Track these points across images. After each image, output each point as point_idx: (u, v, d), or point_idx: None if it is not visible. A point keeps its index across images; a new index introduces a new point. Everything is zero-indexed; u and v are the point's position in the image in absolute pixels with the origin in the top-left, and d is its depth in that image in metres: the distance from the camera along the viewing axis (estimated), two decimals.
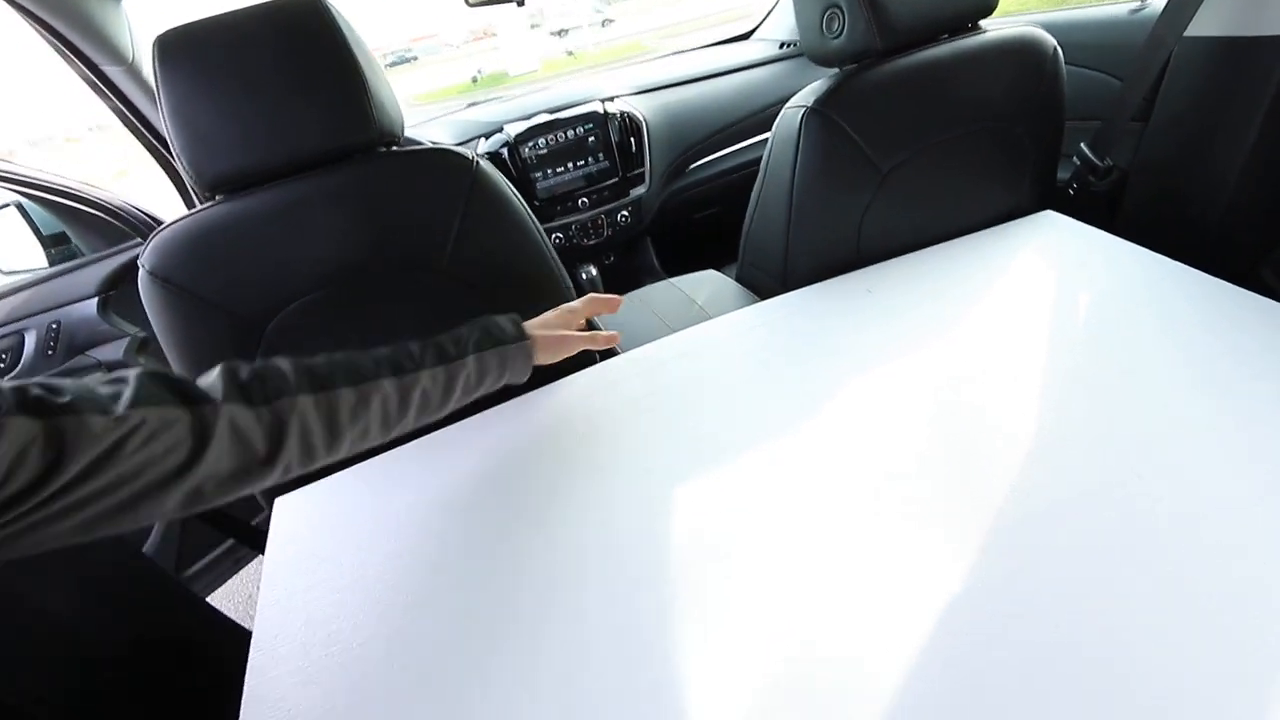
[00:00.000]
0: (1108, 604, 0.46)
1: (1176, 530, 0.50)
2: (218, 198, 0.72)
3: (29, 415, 0.40)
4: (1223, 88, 0.90)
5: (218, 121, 0.67)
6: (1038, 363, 0.71)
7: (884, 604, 0.49)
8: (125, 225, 1.25)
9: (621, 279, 1.59)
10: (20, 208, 1.25)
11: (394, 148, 0.76)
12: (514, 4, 1.23)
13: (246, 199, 0.70)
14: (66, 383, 0.44)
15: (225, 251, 0.70)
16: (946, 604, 0.48)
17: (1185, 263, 0.80)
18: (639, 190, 1.51)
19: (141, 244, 1.22)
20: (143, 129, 1.12)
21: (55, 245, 1.29)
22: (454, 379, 0.64)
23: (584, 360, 0.83)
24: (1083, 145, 1.06)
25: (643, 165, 1.50)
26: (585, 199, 1.47)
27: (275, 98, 0.68)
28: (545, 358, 0.72)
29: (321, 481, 0.75)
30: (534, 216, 0.82)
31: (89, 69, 0.99)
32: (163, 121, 0.67)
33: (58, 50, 0.97)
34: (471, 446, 0.75)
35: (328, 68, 0.69)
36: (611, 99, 1.51)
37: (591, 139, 1.45)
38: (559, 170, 1.44)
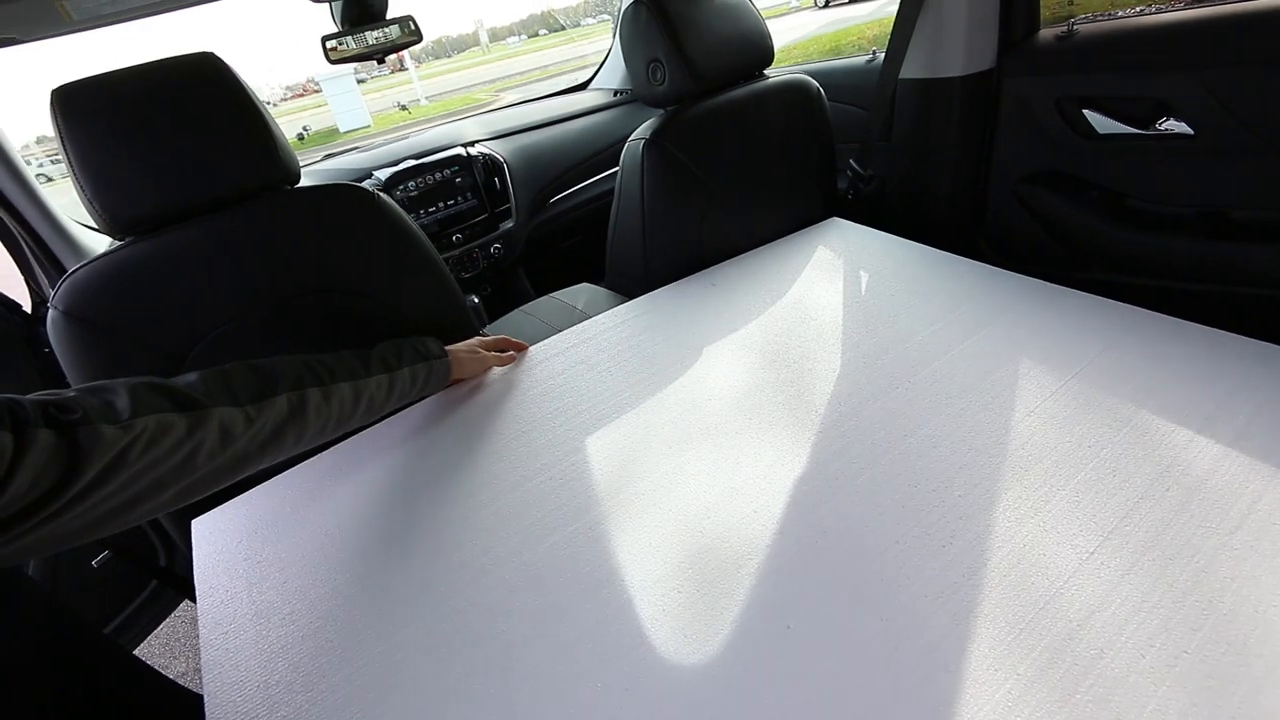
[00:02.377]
0: (880, 480, 0.69)
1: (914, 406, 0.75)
2: (128, 240, 0.77)
3: (50, 427, 0.46)
4: (927, 113, 1.26)
5: (128, 166, 0.73)
6: (834, 321, 0.96)
7: (742, 500, 0.68)
8: None
9: (501, 306, 1.72)
10: None
11: (298, 186, 0.85)
12: (374, 61, 1.34)
13: (162, 238, 0.76)
14: (71, 395, 0.50)
15: (143, 288, 0.75)
16: (784, 494, 0.68)
17: (929, 245, 1.10)
18: (507, 224, 1.67)
19: None
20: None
21: None
22: (393, 386, 0.76)
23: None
24: (851, 161, 1.39)
25: (508, 201, 1.66)
26: (459, 235, 1.59)
27: (183, 143, 0.75)
28: (461, 371, 0.89)
29: (236, 499, 0.80)
30: (430, 242, 0.95)
31: None
32: (71, 175, 0.72)
33: None
34: (380, 450, 0.84)
35: (232, 114, 0.78)
36: (472, 143, 1.66)
37: (458, 179, 1.58)
38: (431, 210, 1.55)
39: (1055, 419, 0.70)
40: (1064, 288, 0.92)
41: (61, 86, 0.72)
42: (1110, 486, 0.62)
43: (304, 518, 0.76)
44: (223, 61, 0.79)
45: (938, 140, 1.26)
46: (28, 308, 1.24)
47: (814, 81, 1.23)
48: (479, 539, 0.68)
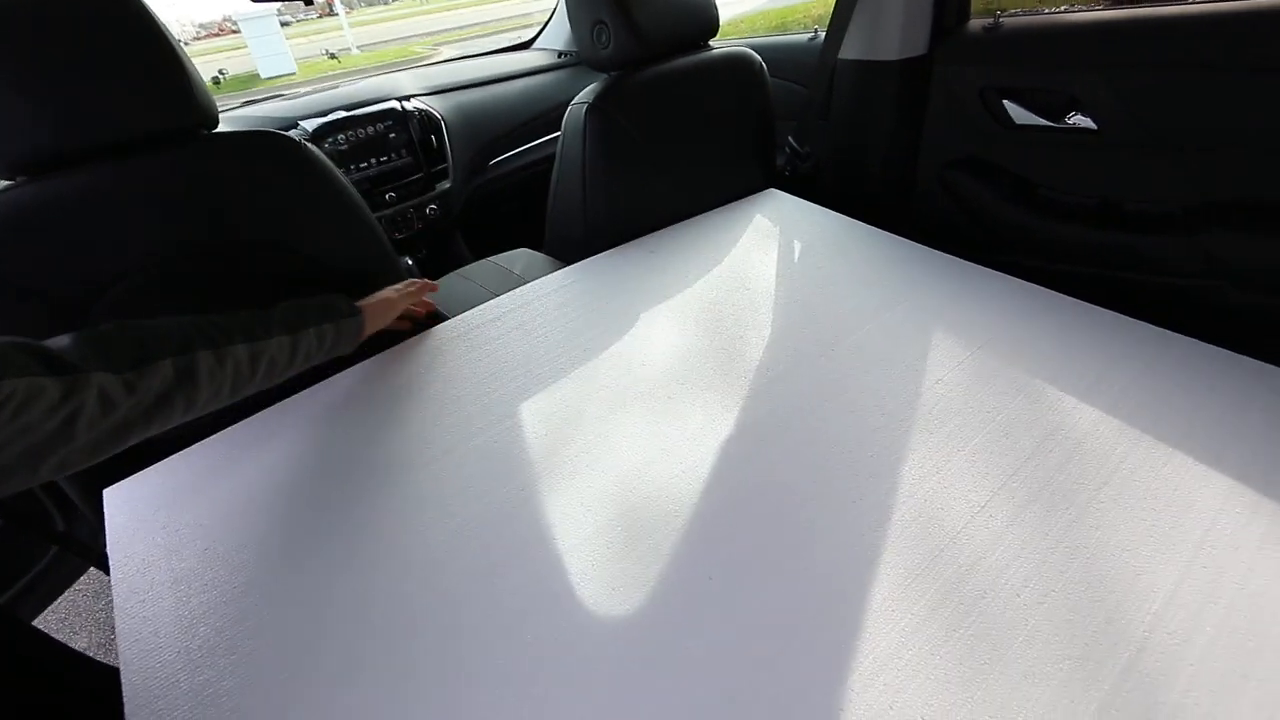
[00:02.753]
0: (801, 442, 0.73)
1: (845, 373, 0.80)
2: (18, 179, 0.70)
3: None
4: (863, 94, 1.30)
5: (14, 99, 0.66)
6: (768, 290, 0.99)
7: (672, 461, 0.71)
8: None
9: (437, 270, 1.67)
10: None
11: (215, 131, 0.80)
12: (301, 3, 1.26)
13: (57, 180, 0.70)
14: None
15: (33, 233, 0.69)
16: (712, 454, 0.71)
17: (859, 219, 1.15)
18: (444, 184, 1.61)
19: None
20: None
21: None
22: (297, 347, 0.72)
23: (417, 330, 0.95)
24: (790, 138, 1.42)
25: (445, 161, 1.60)
26: (392, 193, 1.53)
27: (82, 77, 0.69)
28: (373, 325, 0.84)
29: (152, 467, 0.76)
30: (359, 195, 0.91)
31: None
32: None
33: None
34: (307, 415, 0.82)
35: (141, 48, 0.71)
36: (407, 98, 1.59)
37: (392, 135, 1.52)
38: (362, 165, 1.49)
39: (960, 386, 0.76)
40: (980, 266, 0.98)
41: None
42: (1002, 447, 0.68)
43: (224, 485, 0.73)
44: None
45: (872, 121, 1.30)
46: None
47: (756, 56, 1.24)
48: (409, 504, 0.68)
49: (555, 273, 1.07)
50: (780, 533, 0.61)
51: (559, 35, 1.96)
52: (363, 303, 0.84)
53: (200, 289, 0.79)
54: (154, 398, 0.58)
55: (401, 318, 0.92)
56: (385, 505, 0.68)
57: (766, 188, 1.32)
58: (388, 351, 0.91)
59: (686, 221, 1.21)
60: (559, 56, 1.93)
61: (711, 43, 1.25)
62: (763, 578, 0.57)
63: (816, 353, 0.84)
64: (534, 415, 0.78)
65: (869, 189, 1.37)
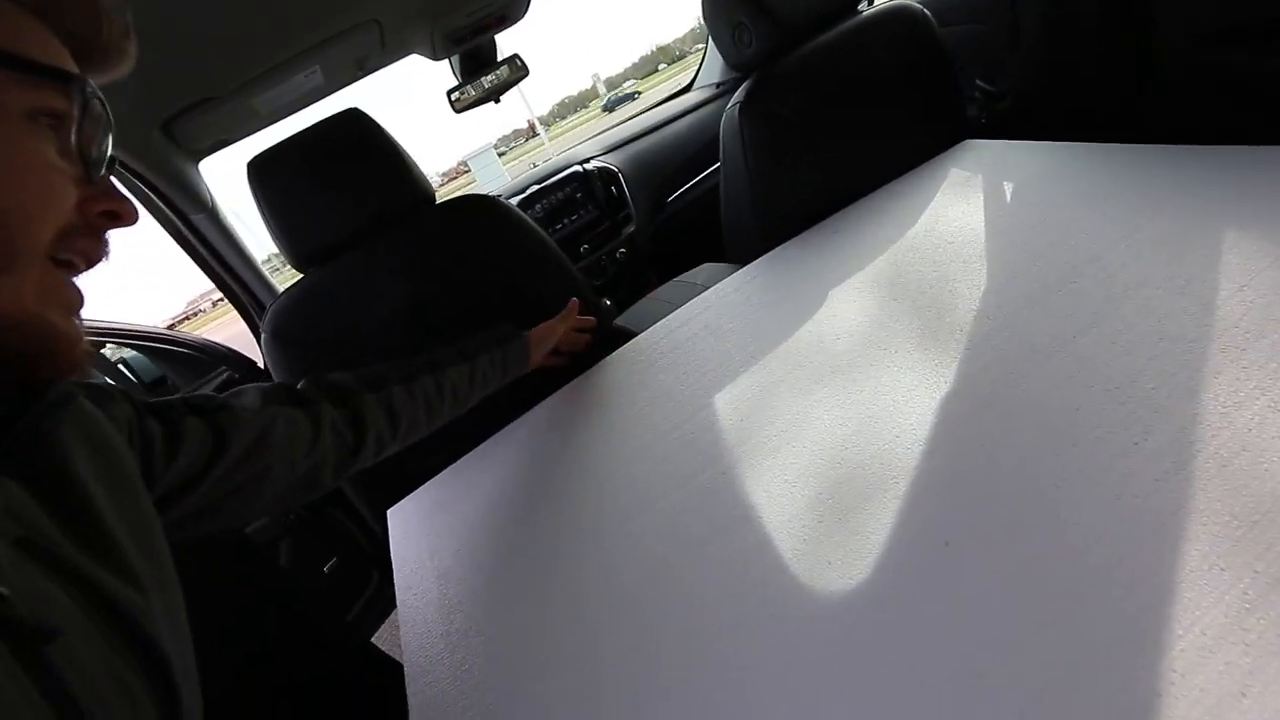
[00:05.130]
0: (1044, 388, 0.60)
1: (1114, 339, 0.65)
2: (311, 270, 0.92)
3: (196, 415, 0.55)
4: (1060, 6, 1.09)
5: (302, 211, 0.88)
6: (975, 240, 0.86)
7: (880, 428, 0.64)
8: (209, 357, 1.47)
9: None
10: (124, 363, 1.47)
11: (433, 204, 0.96)
12: (492, 101, 1.49)
13: (333, 264, 0.90)
14: (213, 394, 0.60)
15: (322, 305, 0.89)
16: (929, 416, 0.63)
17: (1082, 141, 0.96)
18: (629, 229, 1.73)
19: (223, 371, 1.43)
20: (216, 266, 1.35)
21: (155, 389, 1.50)
22: (474, 373, 0.81)
23: (609, 349, 1.00)
24: (978, 81, 1.25)
25: (627, 207, 1.72)
26: (586, 245, 1.68)
27: (341, 183, 0.89)
28: (542, 346, 0.91)
29: (419, 490, 0.90)
30: (549, 238, 1.02)
31: (179, 219, 1.24)
32: (266, 225, 0.88)
33: (152, 206, 1.22)
34: (531, 431, 0.91)
35: (376, 157, 0.91)
36: (587, 160, 1.75)
37: (579, 195, 1.68)
38: (557, 227, 1.67)
39: (1263, 299, 0.56)
40: (1266, 146, 0.74)
41: (254, 158, 0.89)
42: None
43: (475, 495, 0.84)
44: (364, 114, 0.92)
45: (1076, 27, 1.09)
46: (262, 364, 1.53)
47: (918, 6, 1.13)
48: (621, 499, 0.70)
49: (737, 273, 1.06)
50: (1033, 489, 0.50)
51: (712, 69, 2.02)
52: (530, 331, 0.92)
53: (436, 332, 0.93)
54: (366, 428, 0.69)
55: (560, 352, 0.98)
56: (601, 501, 0.72)
57: (959, 141, 1.17)
58: (589, 371, 0.97)
59: (869, 196, 1.12)
60: (716, 88, 1.99)
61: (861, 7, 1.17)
62: (1015, 541, 0.47)
63: (1048, 290, 0.69)
64: (730, 403, 0.76)
65: (1086, 103, 1.13)
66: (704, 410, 0.77)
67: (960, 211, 0.94)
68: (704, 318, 0.97)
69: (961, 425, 0.58)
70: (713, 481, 0.66)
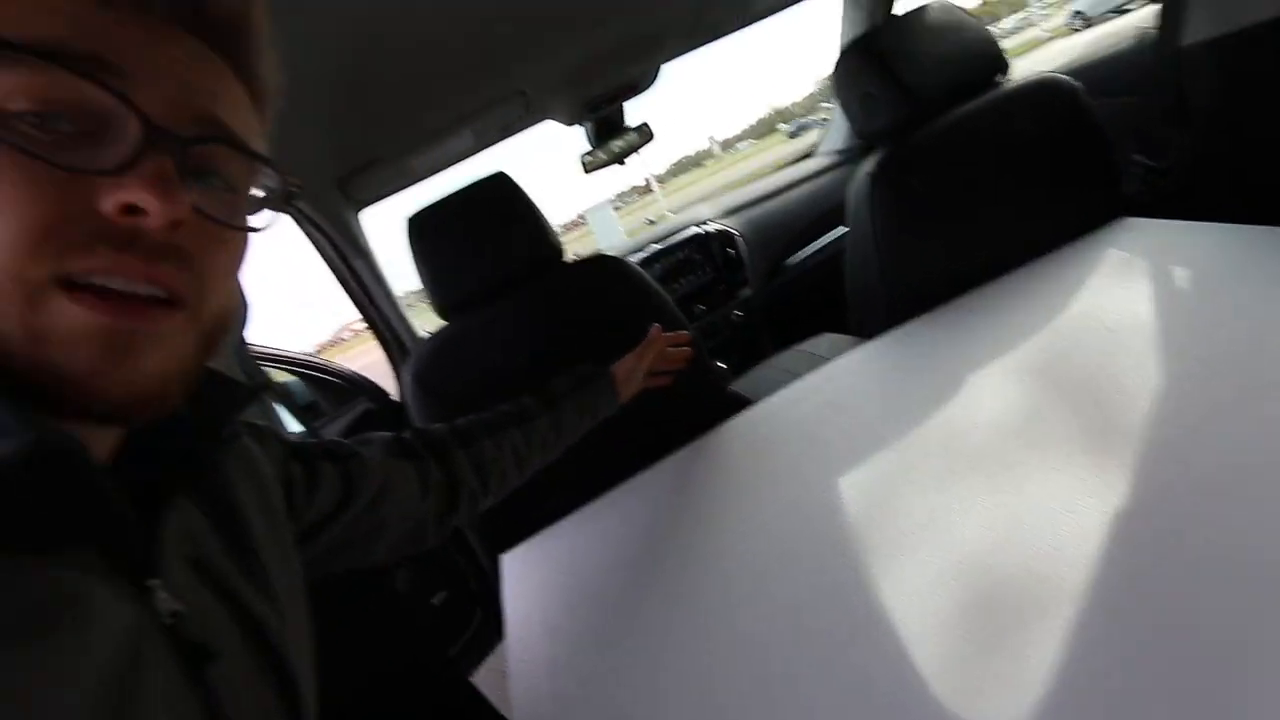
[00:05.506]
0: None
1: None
2: (451, 319, 0.98)
3: (330, 460, 0.59)
4: (1232, 74, 0.97)
5: (450, 264, 0.95)
6: (1144, 329, 0.77)
7: (1035, 537, 0.57)
8: (352, 387, 1.61)
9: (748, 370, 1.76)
10: (283, 388, 1.63)
11: (562, 262, 1.01)
12: (618, 164, 1.56)
13: (471, 314, 0.96)
14: (345, 441, 0.63)
15: (460, 353, 0.95)
16: (1100, 531, 0.55)
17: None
18: (745, 292, 1.73)
19: (362, 400, 1.55)
20: (366, 303, 1.49)
21: (308, 412, 1.65)
22: (561, 419, 0.81)
23: (724, 414, 0.98)
24: (1136, 157, 1.15)
25: (744, 270, 1.72)
26: (701, 306, 1.69)
27: (484, 240, 0.96)
28: (629, 383, 0.89)
29: (534, 538, 0.92)
30: (667, 295, 1.03)
31: (342, 261, 1.39)
32: (418, 275, 0.96)
33: (322, 249, 1.38)
34: (642, 496, 0.90)
35: (517, 217, 0.97)
36: (705, 222, 1.79)
37: (696, 256, 1.71)
38: (674, 287, 1.69)
39: None
40: None
41: (412, 214, 0.98)
42: None
43: (587, 550, 0.84)
44: (509, 177, 1.00)
45: (1254, 97, 0.97)
46: (395, 396, 1.65)
47: (1067, 79, 1.07)
48: (733, 578, 0.67)
49: (862, 346, 1.02)
50: (1233, 651, 0.42)
51: (838, 136, 2.02)
52: (614, 365, 0.90)
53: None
54: (459, 486, 0.71)
55: (659, 374, 0.95)
56: (716, 576, 0.69)
57: (1114, 219, 1.07)
58: (701, 440, 0.96)
59: (1011, 274, 1.04)
60: (840, 155, 1.97)
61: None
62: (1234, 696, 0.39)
63: (1254, 393, 0.60)
64: (855, 489, 0.71)
65: (1267, 180, 1.00)
66: (828, 491, 0.73)
67: (1122, 296, 0.85)
68: (827, 391, 0.93)
69: (1139, 554, 0.50)
70: (839, 574, 0.61)
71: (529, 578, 0.84)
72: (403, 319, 1.57)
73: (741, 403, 1.01)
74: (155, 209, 0.28)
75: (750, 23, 1.46)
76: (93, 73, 0.27)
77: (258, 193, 0.36)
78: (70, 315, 0.27)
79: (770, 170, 2.14)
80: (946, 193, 1.04)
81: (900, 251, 1.08)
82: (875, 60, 1.04)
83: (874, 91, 1.06)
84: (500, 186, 0.99)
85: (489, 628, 1.43)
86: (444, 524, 0.70)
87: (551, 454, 0.82)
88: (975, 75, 1.08)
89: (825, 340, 1.28)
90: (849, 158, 1.95)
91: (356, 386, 1.61)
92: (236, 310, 0.38)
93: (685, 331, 0.99)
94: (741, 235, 1.75)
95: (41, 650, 0.26)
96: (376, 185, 1.35)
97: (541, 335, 0.96)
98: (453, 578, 1.40)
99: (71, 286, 0.27)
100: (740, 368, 1.79)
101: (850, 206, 1.14)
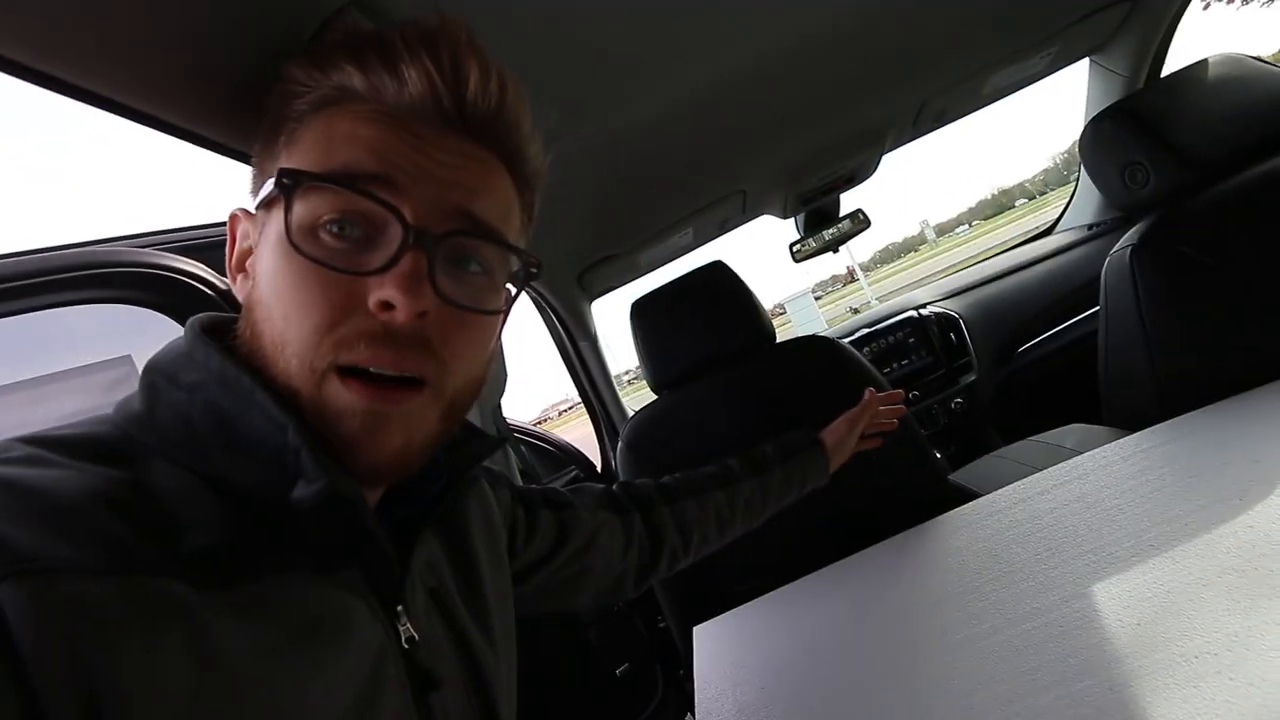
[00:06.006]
0: None
1: None
2: (663, 394, 1.07)
3: (549, 508, 0.65)
4: None
5: (668, 344, 1.05)
6: None
7: None
8: (565, 455, 1.78)
9: (968, 461, 1.59)
10: (516, 450, 1.87)
11: (774, 343, 1.05)
12: (830, 252, 1.58)
13: (684, 389, 1.03)
14: (562, 491, 0.69)
15: (671, 426, 1.02)
16: None
17: None
18: (968, 378, 1.59)
19: (572, 469, 1.70)
20: (585, 381, 1.67)
21: (524, 477, 1.86)
22: (767, 487, 0.79)
23: (942, 507, 0.90)
24: None
25: (967, 355, 1.59)
26: (915, 391, 1.59)
27: (700, 322, 1.04)
28: (840, 450, 0.86)
29: (728, 614, 0.91)
30: (885, 380, 1.00)
31: (570, 342, 1.59)
32: (637, 353, 1.07)
33: (555, 334, 1.59)
34: (852, 581, 0.85)
35: (732, 301, 1.04)
36: (923, 305, 1.70)
37: (911, 340, 1.63)
38: (885, 371, 1.62)
39: None
40: None
41: (637, 300, 1.11)
42: None
43: (783, 633, 0.81)
44: (726, 265, 1.08)
45: None
46: (599, 467, 1.79)
47: None
48: (953, 683, 0.60)
49: (1123, 439, 0.87)
50: None
51: (1084, 210, 1.82)
52: (823, 431, 0.87)
53: None
54: (662, 542, 0.73)
55: (871, 436, 0.91)
56: (938, 683, 0.62)
57: None
58: (916, 529, 0.89)
59: None
60: (1088, 229, 1.77)
61: None
62: None
63: None
64: (1113, 599, 0.61)
65: None
66: (1078, 600, 0.62)
67: None
68: (1076, 487, 0.81)
69: None
70: (1096, 697, 0.52)
71: (722, 654, 0.83)
72: (616, 398, 1.72)
73: (964, 494, 0.92)
74: (402, 304, 0.34)
75: (978, 108, 1.44)
76: (370, 190, 0.35)
77: (512, 269, 0.42)
78: (342, 396, 0.34)
79: (995, 253, 1.99)
80: (1235, 263, 0.89)
81: (1173, 333, 0.93)
82: (1141, 125, 0.95)
83: (1140, 159, 0.96)
84: (717, 273, 1.08)
85: (674, 701, 1.40)
86: (644, 578, 0.72)
87: (755, 520, 0.81)
88: (1272, 129, 0.93)
89: (1074, 431, 1.12)
90: (1100, 232, 1.74)
91: (568, 455, 1.78)
92: (481, 379, 0.42)
93: (899, 390, 0.96)
94: (964, 318, 1.63)
95: (318, 651, 0.32)
96: (606, 278, 1.55)
97: (752, 411, 1.00)
98: (637, 649, 1.41)
99: (345, 373, 0.34)
100: (959, 459, 1.62)
101: (1106, 283, 1.02)
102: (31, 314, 0.70)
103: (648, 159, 1.00)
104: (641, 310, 1.09)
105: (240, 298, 0.39)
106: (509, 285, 0.42)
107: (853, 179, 1.47)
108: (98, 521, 0.27)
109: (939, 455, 1.57)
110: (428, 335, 0.35)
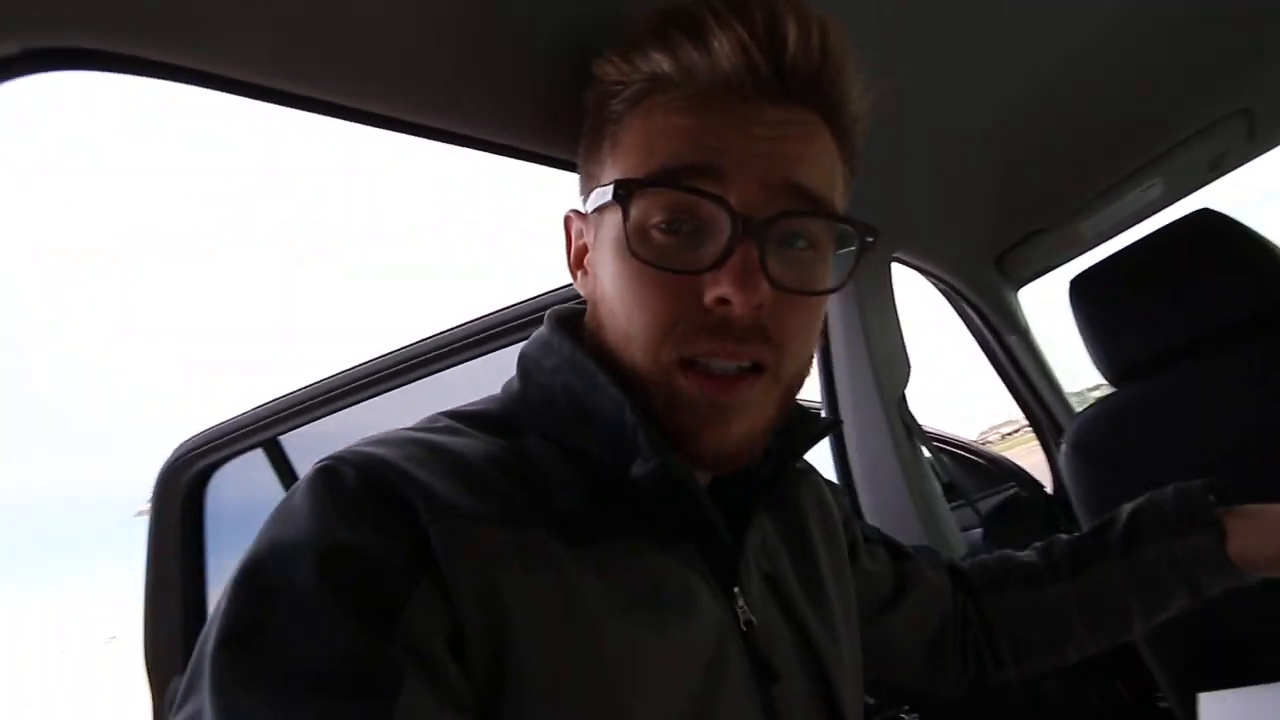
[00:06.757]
0: None
1: None
2: (1121, 386, 0.84)
3: (884, 547, 0.59)
4: None
5: (1125, 323, 0.82)
6: None
7: None
8: (1000, 470, 1.55)
9: None
10: (937, 459, 1.72)
11: None
12: None
13: (1154, 380, 0.79)
14: (903, 545, 0.61)
15: (1136, 425, 0.79)
16: None
17: None
18: None
19: (1011, 486, 1.45)
20: (1020, 385, 1.42)
21: (947, 491, 1.69)
22: (1134, 575, 0.54)
23: None
24: None
25: None
26: None
27: (1175, 293, 0.78)
28: (1258, 543, 0.50)
29: (1247, 688, 0.64)
30: None
31: (994, 338, 1.39)
32: (1082, 339, 0.87)
33: (974, 329, 1.41)
34: None
35: (1227, 260, 0.76)
36: None
37: None
38: None
39: None
40: None
41: (1078, 275, 0.91)
42: None
43: None
44: (1219, 213, 0.79)
45: None
46: (1049, 489, 1.49)
47: None
48: None
49: None
50: None
51: None
52: (1236, 511, 0.52)
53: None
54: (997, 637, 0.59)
55: None
56: None
57: None
58: None
59: None
60: None
61: None
62: None
63: None
64: None
65: None
66: None
67: None
68: None
69: None
70: None
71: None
72: (1063, 401, 1.41)
73: None
74: (738, 300, 0.33)
75: None
76: (694, 185, 0.35)
77: (844, 230, 0.39)
78: (687, 389, 0.35)
79: None
80: None
81: None
82: None
83: None
84: (1201, 225, 0.80)
85: None
86: (965, 674, 0.60)
87: (1125, 631, 0.57)
88: None
89: None
90: None
91: (1006, 472, 1.54)
92: (811, 359, 0.41)
93: None
94: None
95: (660, 617, 0.33)
96: (1036, 259, 1.31)
97: (1268, 407, 0.70)
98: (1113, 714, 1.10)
99: (687, 366, 0.35)
100: None
101: None
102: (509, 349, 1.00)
103: (1083, 100, 0.81)
104: (1085, 285, 0.88)
105: (584, 294, 0.43)
106: (848, 247, 0.40)
107: None
108: (494, 481, 0.33)
109: None
110: (764, 323, 0.35)
